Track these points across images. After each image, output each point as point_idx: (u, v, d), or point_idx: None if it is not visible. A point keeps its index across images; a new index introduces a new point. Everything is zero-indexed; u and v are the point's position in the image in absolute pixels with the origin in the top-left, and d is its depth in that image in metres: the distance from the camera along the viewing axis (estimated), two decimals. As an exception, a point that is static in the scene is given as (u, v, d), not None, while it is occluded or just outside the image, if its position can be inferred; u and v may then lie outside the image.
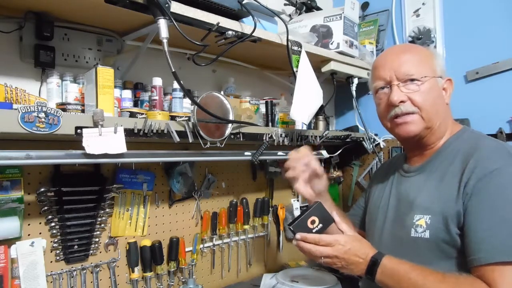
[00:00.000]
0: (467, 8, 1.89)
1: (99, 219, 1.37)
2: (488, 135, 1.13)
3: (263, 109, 1.74)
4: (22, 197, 1.19)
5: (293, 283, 1.66)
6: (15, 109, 0.93)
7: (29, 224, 1.23)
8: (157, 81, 1.34)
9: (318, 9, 2.01)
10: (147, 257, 1.46)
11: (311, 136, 1.73)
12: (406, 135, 1.10)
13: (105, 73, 1.13)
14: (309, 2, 1.97)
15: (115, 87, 1.21)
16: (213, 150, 1.35)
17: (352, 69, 1.90)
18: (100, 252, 1.40)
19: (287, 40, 1.48)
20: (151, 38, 1.30)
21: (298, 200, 2.10)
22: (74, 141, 1.06)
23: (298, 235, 1.06)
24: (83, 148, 1.03)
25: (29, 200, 1.23)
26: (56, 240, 1.28)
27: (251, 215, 1.87)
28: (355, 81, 1.98)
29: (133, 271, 1.45)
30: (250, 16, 1.34)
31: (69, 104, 1.17)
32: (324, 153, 1.88)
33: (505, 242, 0.89)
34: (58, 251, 1.29)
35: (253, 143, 1.54)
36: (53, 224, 1.27)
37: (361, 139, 2.03)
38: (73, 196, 1.29)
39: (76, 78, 1.26)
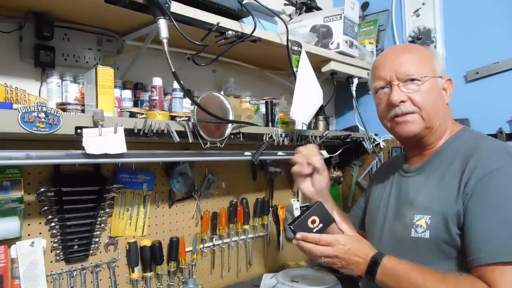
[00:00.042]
0: (467, 8, 1.89)
1: (99, 219, 1.37)
2: (488, 135, 1.13)
3: (263, 109, 1.74)
4: (22, 197, 1.19)
5: (293, 283, 1.65)
6: (15, 109, 0.93)
7: (29, 224, 1.23)
8: (157, 81, 1.34)
9: (318, 9, 2.01)
10: (147, 257, 1.46)
11: (311, 136, 1.73)
12: (406, 135, 1.09)
13: (105, 73, 1.13)
14: (309, 2, 1.97)
15: (115, 87, 1.21)
16: (213, 150, 1.35)
17: (352, 69, 1.90)
18: (100, 252, 1.40)
19: (287, 40, 1.48)
20: (151, 38, 1.30)
21: (298, 200, 2.10)
22: (74, 141, 1.06)
23: (299, 235, 1.06)
24: (83, 148, 1.03)
25: (29, 200, 1.23)
26: (56, 240, 1.28)
27: (251, 215, 1.87)
28: (355, 81, 1.98)
29: (133, 271, 1.45)
30: (250, 16, 1.34)
31: (69, 104, 1.17)
32: (324, 153, 1.88)
33: (505, 242, 0.89)
34: (58, 251, 1.29)
35: (253, 143, 1.54)
36: (53, 224, 1.27)
37: (361, 139, 2.03)
38: (73, 196, 1.29)
39: (76, 78, 1.26)
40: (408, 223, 1.06)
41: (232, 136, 1.39)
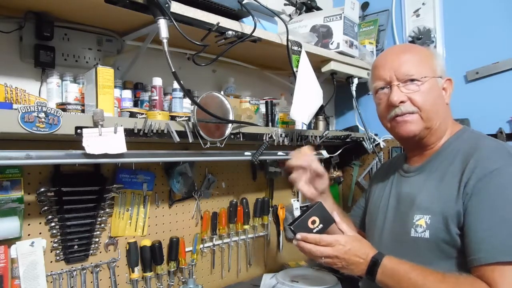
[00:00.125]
0: (467, 8, 1.89)
1: (99, 219, 1.37)
2: (488, 135, 1.13)
3: (263, 109, 1.74)
4: (22, 197, 1.19)
5: (293, 283, 1.66)
6: (15, 109, 0.93)
7: (29, 224, 1.23)
8: (157, 81, 1.34)
9: (318, 9, 2.01)
10: (147, 257, 1.46)
11: (311, 136, 1.73)
12: (406, 135, 1.09)
13: (105, 73, 1.13)
14: (309, 2, 1.97)
15: (115, 87, 1.21)
16: (213, 150, 1.35)
17: (352, 69, 1.90)
18: (100, 252, 1.40)
19: (287, 40, 1.48)
20: (151, 38, 1.30)
21: (298, 200, 2.10)
22: (74, 141, 1.06)
23: (299, 235, 1.06)
24: (83, 148, 1.03)
25: (29, 200, 1.23)
26: (56, 240, 1.28)
27: (251, 215, 1.87)
28: (355, 81, 1.98)
29: (133, 271, 1.45)
30: (250, 16, 1.34)
31: (69, 104, 1.17)
32: (324, 153, 1.88)
33: (505, 242, 0.89)
34: (58, 251, 1.29)
35: (253, 143, 1.54)
36: (53, 224, 1.27)
37: (361, 139, 2.03)
38: (73, 196, 1.29)
39: (76, 78, 1.26)
40: (408, 223, 1.06)
41: (232, 136, 1.39)
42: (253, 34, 1.35)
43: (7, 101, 1.07)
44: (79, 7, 1.16)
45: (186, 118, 1.32)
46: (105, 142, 1.06)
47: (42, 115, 0.95)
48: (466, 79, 1.87)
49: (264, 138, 1.53)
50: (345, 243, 1.03)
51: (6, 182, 1.16)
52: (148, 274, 1.47)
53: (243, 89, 1.88)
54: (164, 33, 1.11)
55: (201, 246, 1.68)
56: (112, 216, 1.42)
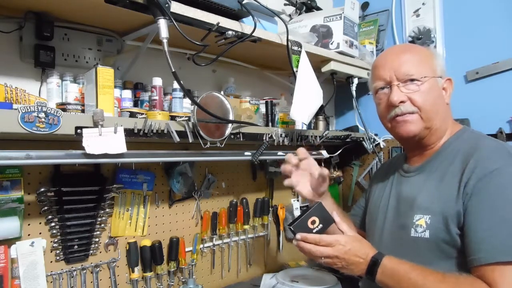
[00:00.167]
0: (467, 8, 1.89)
1: (99, 219, 1.37)
2: (488, 135, 1.13)
3: (263, 109, 1.74)
4: (22, 197, 1.19)
5: (293, 283, 1.66)
6: (15, 109, 0.93)
7: (29, 224, 1.23)
8: (157, 81, 1.34)
9: (318, 9, 2.01)
10: (147, 257, 1.46)
11: (311, 136, 1.73)
12: (406, 135, 1.09)
13: (105, 73, 1.13)
14: (309, 2, 1.97)
15: (115, 87, 1.21)
16: (213, 150, 1.35)
17: (352, 69, 1.90)
18: (100, 252, 1.40)
19: (287, 40, 1.48)
20: (151, 38, 1.30)
21: (298, 200, 2.10)
22: (74, 141, 1.06)
23: (299, 235, 1.06)
24: (83, 148, 1.03)
25: (29, 200, 1.23)
26: (56, 240, 1.28)
27: (251, 215, 1.87)
28: (355, 81, 1.98)
29: (133, 271, 1.45)
30: (250, 16, 1.34)
31: (69, 104, 1.17)
32: (324, 153, 1.89)
33: (505, 242, 0.89)
34: (58, 251, 1.29)
35: (253, 143, 1.54)
36: (53, 224, 1.27)
37: (361, 139, 2.03)
38: (73, 196, 1.29)
39: (76, 78, 1.26)
40: (408, 223, 1.06)
41: (232, 136, 1.39)
42: (253, 34, 1.35)
43: (7, 101, 1.07)
44: (79, 7, 1.16)
45: (186, 118, 1.32)
46: (105, 142, 1.06)
47: (42, 115, 0.95)
48: (466, 79, 1.87)
49: (264, 138, 1.53)
50: (345, 243, 1.03)
51: (6, 182, 1.16)
52: (148, 274, 1.47)
53: (243, 89, 1.88)
54: (164, 33, 1.11)
55: (201, 246, 1.68)
56: (112, 216, 1.42)
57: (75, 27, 1.30)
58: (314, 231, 1.07)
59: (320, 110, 1.88)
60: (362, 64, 1.94)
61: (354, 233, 1.10)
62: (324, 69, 1.80)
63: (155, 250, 1.47)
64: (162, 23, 1.10)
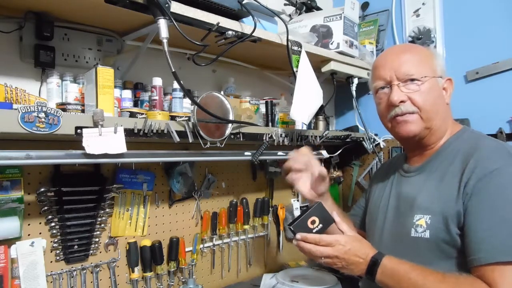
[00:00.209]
0: (467, 8, 1.89)
1: (99, 219, 1.37)
2: (488, 135, 1.13)
3: (263, 109, 1.74)
4: (22, 197, 1.19)
5: (293, 283, 1.66)
6: (15, 109, 0.93)
7: (29, 224, 1.23)
8: (157, 81, 1.34)
9: (318, 9, 2.01)
10: (147, 257, 1.46)
11: (311, 136, 1.73)
12: (406, 135, 1.09)
13: (105, 73, 1.13)
14: (309, 2, 1.97)
15: (115, 87, 1.21)
16: (213, 150, 1.35)
17: (352, 69, 1.90)
18: (100, 252, 1.40)
19: (287, 40, 1.48)
20: (151, 38, 1.30)
21: (298, 200, 2.10)
22: (74, 141, 1.06)
23: (299, 235, 1.06)
24: (83, 148, 1.03)
25: (29, 200, 1.23)
26: (56, 240, 1.28)
27: (251, 215, 1.87)
28: (355, 81, 1.98)
29: (133, 271, 1.45)
30: (250, 16, 1.34)
31: (69, 104, 1.17)
32: (324, 153, 1.88)
33: (505, 242, 0.89)
34: (58, 251, 1.29)
35: (253, 143, 1.54)
36: (53, 224, 1.27)
37: (361, 139, 2.03)
38: (73, 196, 1.29)
39: (76, 78, 1.26)
40: (408, 223, 1.06)
41: (232, 136, 1.39)
42: (253, 34, 1.35)
43: (7, 101, 1.07)
44: (79, 7, 1.16)
45: (186, 118, 1.32)
46: (105, 142, 1.06)
47: (42, 115, 0.95)
48: (466, 79, 1.87)
49: (264, 138, 1.53)
50: (345, 243, 1.03)
51: (6, 182, 1.16)
52: (148, 274, 1.47)
53: (243, 89, 1.88)
54: (164, 33, 1.11)
55: (201, 246, 1.68)
56: (112, 216, 1.42)
57: (75, 27, 1.30)
58: (314, 231, 1.07)
59: (320, 110, 1.88)
60: (362, 64, 1.94)
61: (354, 233, 1.10)
62: (324, 69, 1.80)
63: (155, 250, 1.47)
64: (162, 23, 1.10)
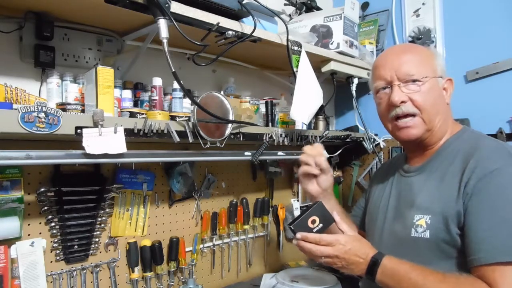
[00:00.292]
0: (467, 8, 1.89)
1: (99, 219, 1.37)
2: (488, 135, 1.13)
3: (263, 109, 1.74)
4: (22, 197, 1.19)
5: (293, 283, 1.66)
6: (15, 109, 0.93)
7: (29, 224, 1.23)
8: (157, 81, 1.34)
9: (318, 9, 2.01)
10: (147, 257, 1.46)
11: (311, 136, 1.73)
12: (407, 139, 1.10)
13: (105, 73, 1.13)
14: (309, 2, 1.97)
15: (115, 87, 1.21)
16: (213, 150, 1.35)
17: (352, 69, 1.90)
18: (100, 252, 1.40)
19: (287, 40, 1.48)
20: (151, 38, 1.30)
21: (298, 200, 2.10)
22: (74, 141, 1.06)
23: (299, 235, 1.06)
24: (83, 148, 1.03)
25: (29, 200, 1.23)
26: (56, 240, 1.28)
27: (251, 215, 1.87)
28: (355, 81, 1.98)
29: (133, 271, 1.45)
30: (250, 16, 1.34)
31: (69, 104, 1.17)
32: (324, 153, 1.88)
33: (506, 242, 0.89)
34: (58, 251, 1.29)
35: (253, 143, 1.54)
36: (53, 224, 1.27)
37: (361, 139, 2.03)
38: (73, 196, 1.29)
39: (76, 78, 1.26)
40: (408, 223, 1.06)
41: (232, 136, 1.39)
42: (253, 34, 1.35)
43: (7, 101, 1.07)
44: (79, 7, 1.16)
45: (186, 118, 1.32)
46: (105, 142, 1.06)
47: (42, 115, 0.95)
48: (466, 79, 1.87)
49: (264, 138, 1.53)
50: (345, 242, 1.03)
51: (6, 182, 1.16)
52: (148, 274, 1.47)
53: (243, 89, 1.88)
54: (164, 33, 1.11)
55: (201, 246, 1.68)
56: (112, 216, 1.42)
57: (75, 27, 1.30)
58: (314, 230, 1.07)
59: (320, 110, 1.88)
60: (362, 64, 1.94)
61: (354, 233, 1.10)
62: (324, 69, 1.80)
63: (155, 250, 1.47)
64: (162, 23, 1.10)
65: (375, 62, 1.18)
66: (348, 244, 1.03)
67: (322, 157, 1.24)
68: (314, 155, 1.24)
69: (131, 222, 1.47)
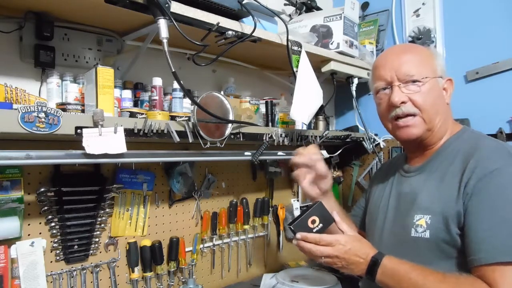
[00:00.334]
0: (467, 8, 1.89)
1: (99, 219, 1.37)
2: (488, 135, 1.13)
3: (263, 109, 1.74)
4: (22, 197, 1.19)
5: (293, 283, 1.65)
6: (15, 109, 0.93)
7: (29, 224, 1.23)
8: (157, 81, 1.34)
9: (318, 9, 2.01)
10: (147, 257, 1.46)
11: (311, 136, 1.73)
12: (407, 138, 1.10)
13: (105, 73, 1.13)
14: (309, 2, 1.97)
15: (115, 87, 1.21)
16: (213, 150, 1.35)
17: (352, 69, 1.90)
18: (100, 252, 1.40)
19: (287, 40, 1.48)
20: (151, 38, 1.30)
21: (298, 200, 2.11)
22: (74, 141, 1.06)
23: (299, 235, 1.06)
24: (83, 148, 1.03)
25: (29, 200, 1.23)
26: (56, 240, 1.28)
27: (251, 215, 1.87)
28: (355, 81, 1.98)
29: (133, 271, 1.45)
30: (250, 16, 1.34)
31: (69, 104, 1.17)
32: (324, 153, 1.88)
33: (506, 242, 0.89)
34: (58, 251, 1.29)
35: (253, 143, 1.54)
36: (53, 224, 1.27)
37: (361, 139, 2.03)
38: (73, 196, 1.29)
39: (76, 78, 1.26)
40: (408, 222, 1.06)
41: (232, 136, 1.39)
42: (253, 34, 1.35)
43: (7, 101, 1.07)
44: (79, 7, 1.16)
45: (186, 118, 1.32)
46: (105, 142, 1.06)
47: (42, 115, 0.95)
48: (466, 79, 1.87)
49: (264, 138, 1.53)
50: (345, 242, 1.03)
51: (6, 182, 1.16)
52: (148, 274, 1.47)
53: (243, 89, 1.88)
54: (164, 33, 1.11)
55: (201, 246, 1.68)
56: (112, 216, 1.42)
57: (75, 27, 1.30)
58: (314, 230, 1.07)
59: (320, 110, 1.88)
60: (362, 64, 1.94)
61: (354, 233, 1.10)
62: (324, 69, 1.80)
63: (155, 250, 1.47)
64: (162, 23, 1.10)
65: (375, 62, 1.18)
66: (348, 244, 1.03)
67: (320, 162, 1.23)
68: (308, 158, 1.23)
69: (131, 222, 1.47)
